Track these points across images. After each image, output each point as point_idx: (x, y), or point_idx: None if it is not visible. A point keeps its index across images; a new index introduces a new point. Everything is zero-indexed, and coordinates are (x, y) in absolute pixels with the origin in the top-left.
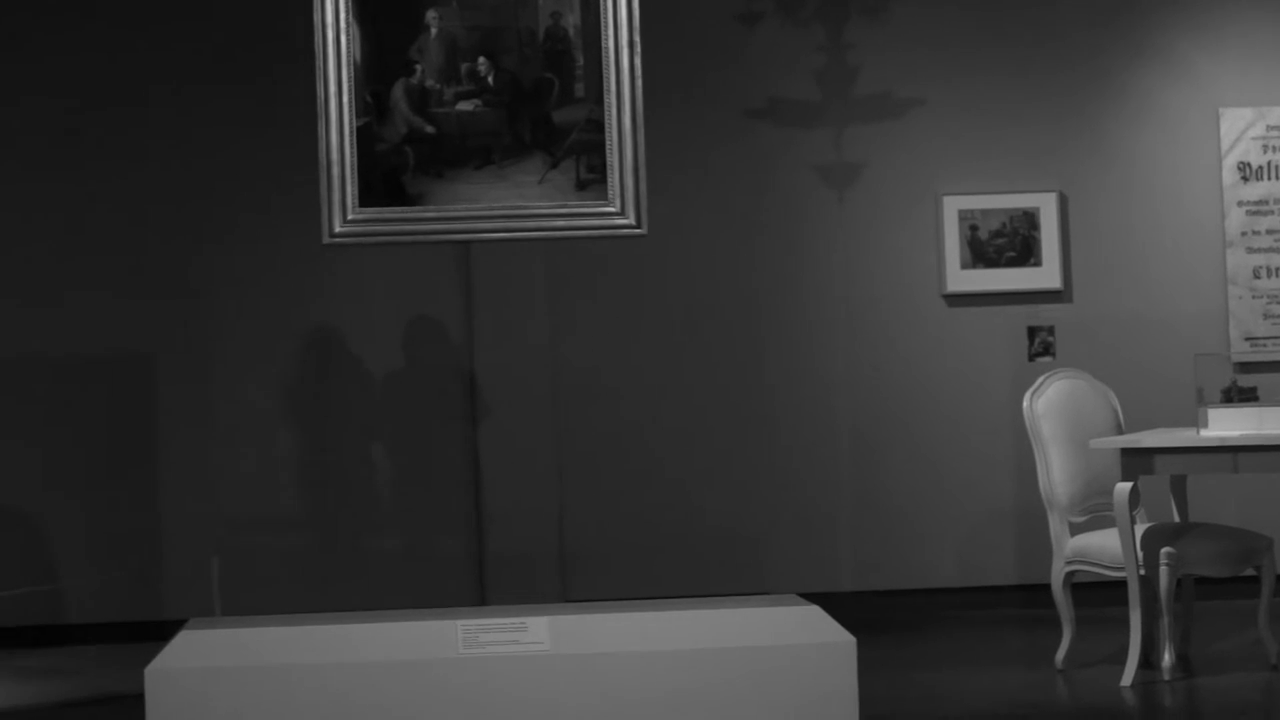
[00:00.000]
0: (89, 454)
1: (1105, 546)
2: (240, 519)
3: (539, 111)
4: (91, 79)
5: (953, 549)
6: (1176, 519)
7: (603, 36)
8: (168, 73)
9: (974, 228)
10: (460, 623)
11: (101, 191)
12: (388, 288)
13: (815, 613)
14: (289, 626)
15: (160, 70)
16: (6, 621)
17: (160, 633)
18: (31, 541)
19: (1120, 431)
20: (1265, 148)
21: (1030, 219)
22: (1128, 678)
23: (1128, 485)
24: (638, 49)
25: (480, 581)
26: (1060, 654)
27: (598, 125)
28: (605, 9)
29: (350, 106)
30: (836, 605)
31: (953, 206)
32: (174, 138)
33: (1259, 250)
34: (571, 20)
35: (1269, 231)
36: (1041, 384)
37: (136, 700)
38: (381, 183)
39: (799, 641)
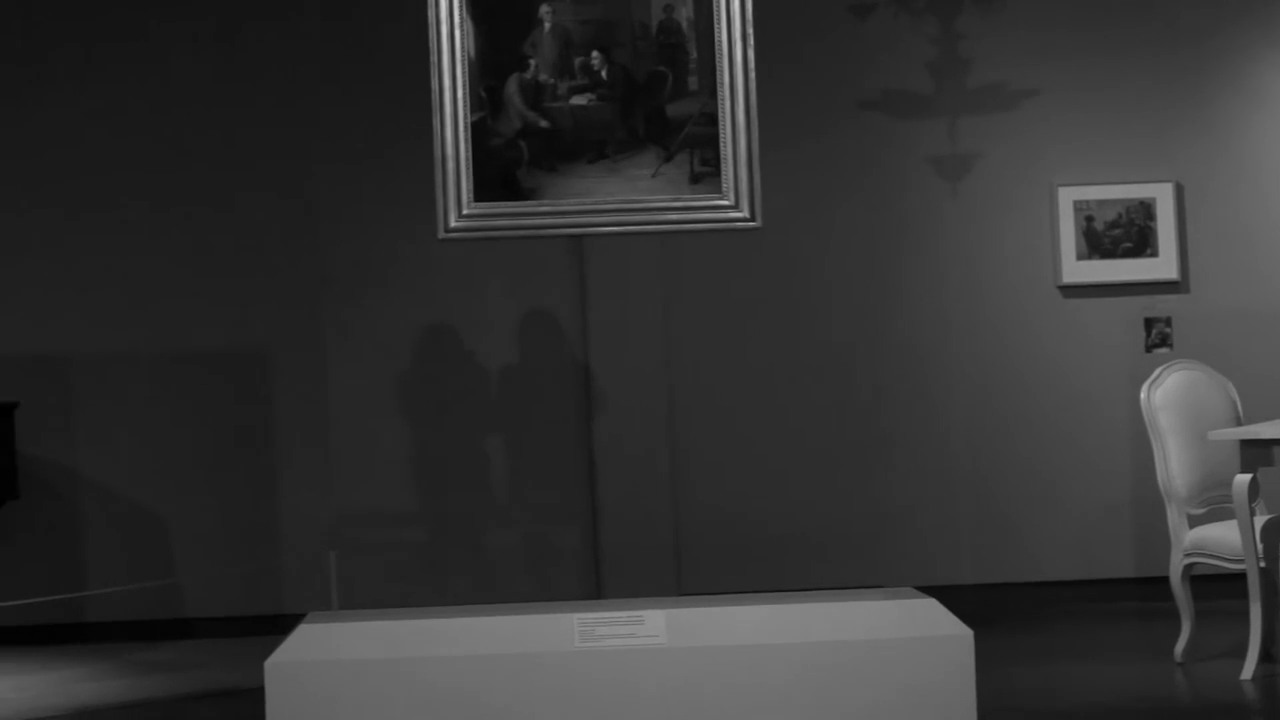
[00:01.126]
0: (208, 449)
1: (1224, 538)
2: (357, 513)
3: (652, 105)
4: (208, 77)
5: (1070, 542)
6: None
7: (716, 29)
8: (285, 71)
9: (1089, 218)
10: (577, 616)
11: (218, 189)
12: (502, 282)
13: (932, 605)
14: (407, 620)
15: (277, 68)
16: (128, 615)
17: (279, 627)
18: (152, 536)
19: (1239, 423)
20: None
21: (1147, 209)
22: (1248, 671)
23: (1247, 477)
24: (751, 41)
25: (596, 574)
26: (1179, 647)
27: (711, 118)
28: (718, 2)
29: (465, 101)
30: (954, 598)
31: (1068, 197)
32: (289, 135)
33: None
34: (684, 13)
35: None
36: (1159, 375)
37: (256, 694)
38: (496, 177)
39: (916, 634)
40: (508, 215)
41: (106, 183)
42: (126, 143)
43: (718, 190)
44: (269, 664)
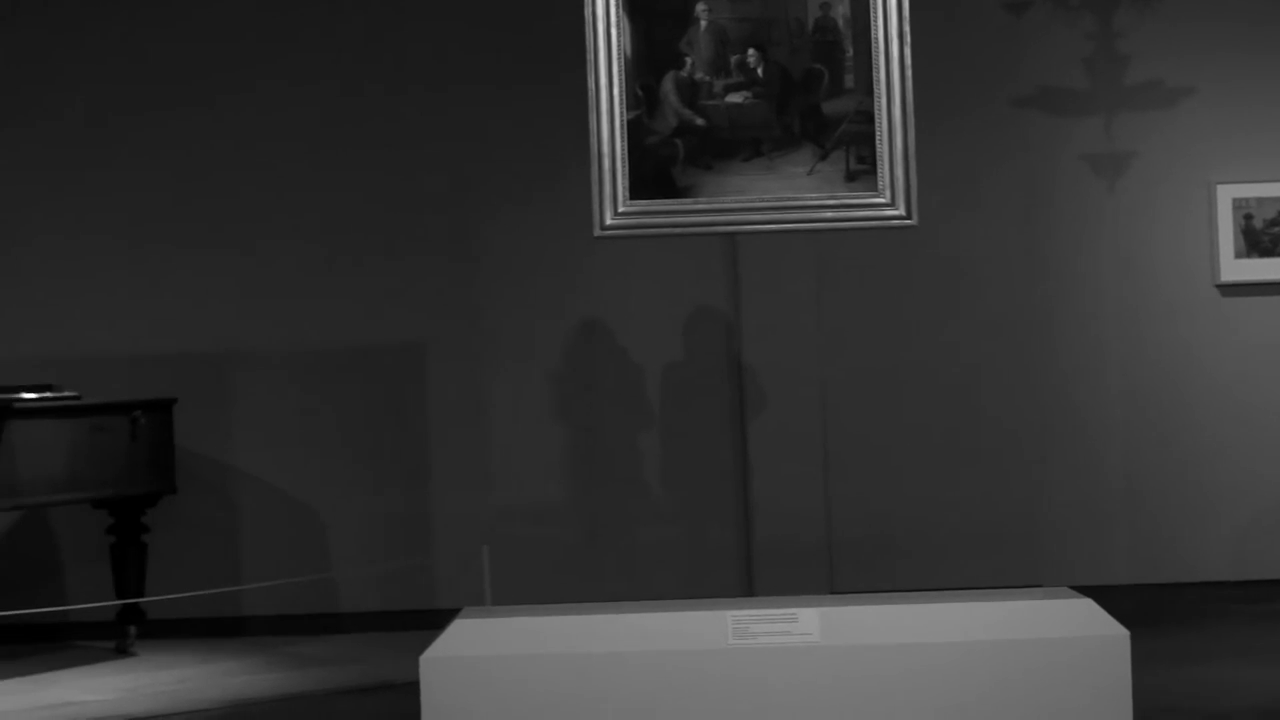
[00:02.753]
0: (363, 445)
1: None
2: (511, 509)
3: (808, 103)
4: (364, 77)
5: (1229, 542)
6: None
7: (872, 27)
8: (441, 69)
9: (1248, 216)
10: (731, 613)
11: (375, 186)
12: (657, 279)
13: (1088, 606)
14: (561, 616)
15: (434, 67)
16: (285, 609)
17: (433, 621)
18: (307, 531)
19: None
20: None
21: None
22: None
23: None
24: (908, 39)
25: (748, 572)
26: None
27: (867, 116)
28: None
29: (621, 100)
30: (1110, 598)
31: (1226, 195)
32: (447, 132)
33: None
34: (841, 11)
35: None
36: None
37: (411, 688)
38: (651, 175)
39: (1072, 635)
40: (663, 213)
41: (263, 181)
42: (285, 140)
43: (874, 188)
44: (425, 658)
